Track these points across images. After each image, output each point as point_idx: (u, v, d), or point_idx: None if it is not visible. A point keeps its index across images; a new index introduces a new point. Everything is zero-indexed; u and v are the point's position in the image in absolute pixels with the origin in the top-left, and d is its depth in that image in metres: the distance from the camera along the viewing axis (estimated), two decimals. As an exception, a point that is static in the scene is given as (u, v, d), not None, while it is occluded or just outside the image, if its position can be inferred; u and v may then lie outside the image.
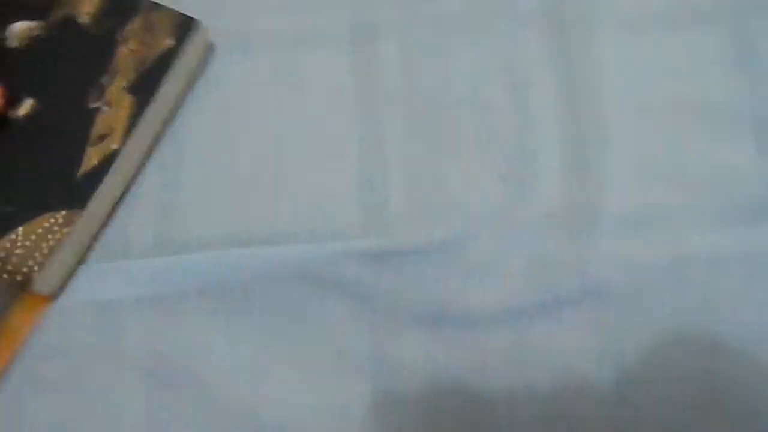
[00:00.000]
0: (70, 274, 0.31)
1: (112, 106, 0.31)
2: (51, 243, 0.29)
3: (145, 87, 0.31)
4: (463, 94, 0.34)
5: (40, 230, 0.29)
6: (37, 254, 0.28)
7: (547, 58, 0.34)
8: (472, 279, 0.31)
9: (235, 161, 0.33)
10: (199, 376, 0.30)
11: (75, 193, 0.29)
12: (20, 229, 0.29)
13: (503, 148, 0.33)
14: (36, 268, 0.28)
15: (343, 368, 0.30)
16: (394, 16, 0.35)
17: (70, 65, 0.31)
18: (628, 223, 0.32)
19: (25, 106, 0.31)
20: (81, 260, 0.31)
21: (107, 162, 0.30)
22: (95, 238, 0.31)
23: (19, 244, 0.28)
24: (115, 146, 0.30)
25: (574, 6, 0.35)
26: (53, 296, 0.30)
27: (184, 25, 0.32)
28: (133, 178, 0.32)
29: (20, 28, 0.32)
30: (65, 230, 0.29)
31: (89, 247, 0.31)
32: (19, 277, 0.29)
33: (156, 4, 0.32)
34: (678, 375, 0.30)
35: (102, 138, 0.30)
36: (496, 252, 0.31)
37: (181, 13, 0.33)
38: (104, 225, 0.32)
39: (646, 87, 0.34)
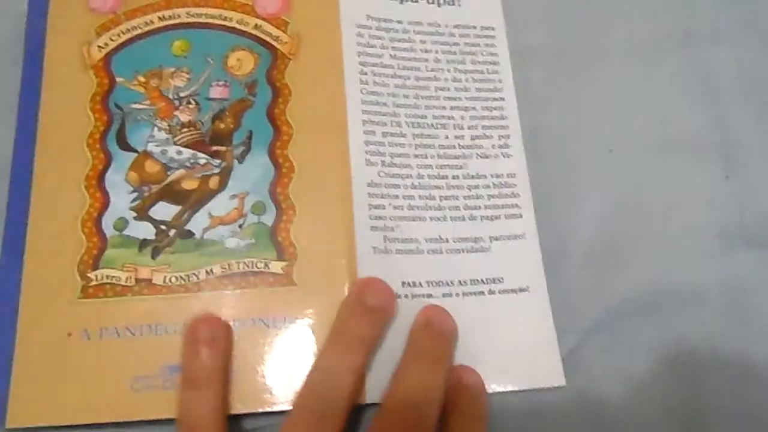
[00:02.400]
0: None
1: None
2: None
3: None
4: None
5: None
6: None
7: (518, 93, 0.34)
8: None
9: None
10: None
11: None
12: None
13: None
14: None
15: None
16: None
17: None
18: (602, 256, 0.32)
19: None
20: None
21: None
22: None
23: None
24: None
25: (540, 47, 0.35)
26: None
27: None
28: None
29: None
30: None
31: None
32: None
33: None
34: (660, 410, 0.29)
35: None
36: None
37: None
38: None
39: (613, 121, 0.34)
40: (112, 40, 0.33)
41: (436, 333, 0.28)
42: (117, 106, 0.32)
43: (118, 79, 0.32)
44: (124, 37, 0.33)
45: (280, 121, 0.32)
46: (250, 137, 0.32)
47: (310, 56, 0.33)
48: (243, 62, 0.33)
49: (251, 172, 0.31)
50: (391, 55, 0.34)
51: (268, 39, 0.33)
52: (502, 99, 0.35)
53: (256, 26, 0.33)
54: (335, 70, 0.33)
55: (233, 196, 0.31)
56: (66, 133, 0.31)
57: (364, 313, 0.27)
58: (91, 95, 0.32)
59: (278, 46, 0.33)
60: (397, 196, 0.32)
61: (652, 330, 0.30)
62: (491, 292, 0.31)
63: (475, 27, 0.36)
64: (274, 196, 0.31)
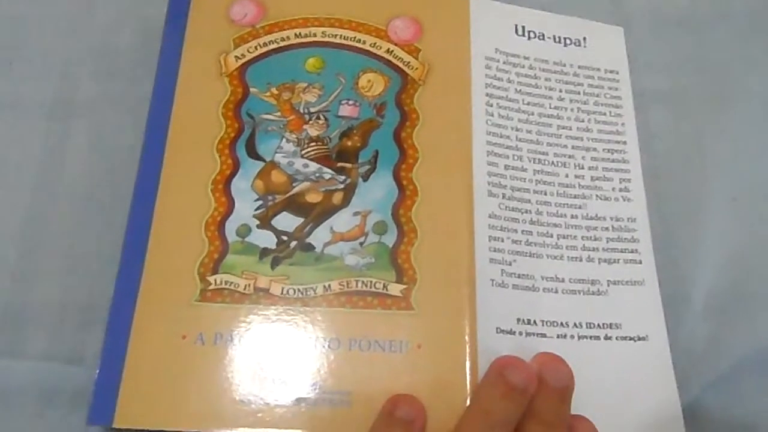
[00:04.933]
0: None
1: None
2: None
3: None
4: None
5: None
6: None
7: (639, 137, 0.34)
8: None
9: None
10: None
11: None
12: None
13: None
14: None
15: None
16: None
17: None
18: (724, 307, 0.31)
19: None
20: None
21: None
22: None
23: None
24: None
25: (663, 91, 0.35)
26: None
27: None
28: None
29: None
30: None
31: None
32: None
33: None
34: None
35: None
36: None
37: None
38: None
39: (737, 168, 0.34)
40: (249, 51, 0.33)
41: (551, 392, 0.26)
42: (249, 114, 0.32)
43: (251, 90, 0.33)
44: (260, 50, 0.33)
45: (406, 144, 0.32)
46: (376, 157, 0.32)
47: (439, 84, 0.33)
48: (374, 84, 0.33)
49: (375, 192, 0.31)
50: (516, 89, 0.34)
51: (399, 64, 0.34)
52: (624, 143, 0.34)
53: (388, 51, 0.34)
54: (463, 99, 0.33)
55: (356, 214, 0.31)
56: (197, 136, 0.32)
57: (507, 393, 0.26)
58: (224, 102, 0.32)
59: (409, 72, 0.33)
60: (515, 230, 0.32)
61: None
62: (608, 338, 0.30)
63: (599, 69, 0.36)
64: (397, 217, 0.30)
